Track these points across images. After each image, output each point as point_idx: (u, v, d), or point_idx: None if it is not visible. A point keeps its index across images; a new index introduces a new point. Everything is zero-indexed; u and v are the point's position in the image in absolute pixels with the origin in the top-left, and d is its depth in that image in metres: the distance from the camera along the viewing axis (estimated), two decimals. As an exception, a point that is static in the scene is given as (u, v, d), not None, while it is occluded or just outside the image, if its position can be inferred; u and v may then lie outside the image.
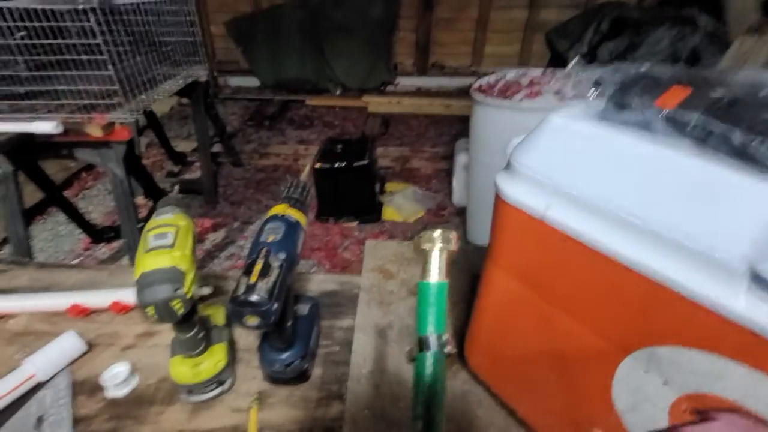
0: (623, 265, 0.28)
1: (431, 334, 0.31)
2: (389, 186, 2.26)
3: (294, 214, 0.47)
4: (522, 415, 0.45)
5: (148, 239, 0.41)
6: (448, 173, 2.39)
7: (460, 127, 2.99)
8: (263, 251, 0.41)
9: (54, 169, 2.30)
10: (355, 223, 1.99)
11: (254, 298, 0.37)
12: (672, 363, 0.29)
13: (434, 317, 0.31)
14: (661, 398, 0.30)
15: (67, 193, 2.11)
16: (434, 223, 2.05)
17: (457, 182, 2.10)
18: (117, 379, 0.49)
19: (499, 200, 0.37)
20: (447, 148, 2.65)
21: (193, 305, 0.44)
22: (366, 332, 0.59)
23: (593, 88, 0.33)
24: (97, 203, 2.20)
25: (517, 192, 0.35)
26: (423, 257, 0.33)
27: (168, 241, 0.40)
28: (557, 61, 2.87)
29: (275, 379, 0.51)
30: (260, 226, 0.45)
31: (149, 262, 0.38)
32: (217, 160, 2.50)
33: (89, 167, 2.47)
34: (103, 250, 1.83)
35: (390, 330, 0.59)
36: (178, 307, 0.38)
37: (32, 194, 1.95)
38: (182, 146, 2.68)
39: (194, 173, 2.44)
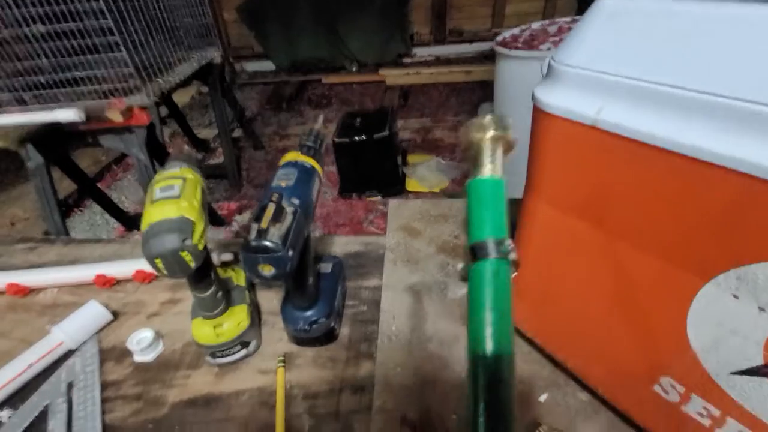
0: (706, 162, 0.23)
1: (489, 239, 0.23)
2: (412, 158, 2.20)
3: (308, 161, 0.43)
4: (572, 366, 0.41)
5: (155, 191, 0.38)
6: (473, 141, 2.30)
7: (482, 93, 2.86)
8: (274, 196, 0.37)
9: (86, 162, 2.38)
10: (378, 197, 1.95)
11: (267, 243, 0.34)
12: (772, 283, 0.23)
13: (491, 219, 0.24)
14: (754, 330, 0.25)
15: (100, 185, 2.18)
16: (460, 192, 1.98)
17: (483, 149, 2.01)
18: (143, 343, 0.48)
19: (538, 115, 0.32)
20: (470, 115, 2.54)
21: (209, 262, 0.42)
22: (394, 290, 0.55)
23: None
24: (129, 193, 2.27)
25: (561, 98, 0.29)
26: (474, 150, 0.26)
27: (175, 192, 0.38)
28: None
29: (301, 339, 0.48)
30: (272, 174, 0.41)
31: (155, 212, 0.36)
32: (239, 144, 2.51)
33: (119, 160, 2.54)
34: (137, 237, 1.89)
35: (420, 287, 0.55)
36: (189, 259, 0.36)
37: (68, 189, 2.03)
38: (204, 133, 2.71)
39: (218, 159, 2.47)
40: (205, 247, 0.39)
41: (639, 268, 0.30)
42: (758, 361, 0.25)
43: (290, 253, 0.35)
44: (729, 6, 0.22)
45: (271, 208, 0.36)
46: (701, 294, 0.27)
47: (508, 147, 0.26)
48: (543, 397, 0.41)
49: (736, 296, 0.25)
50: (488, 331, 0.21)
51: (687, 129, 0.23)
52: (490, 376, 0.20)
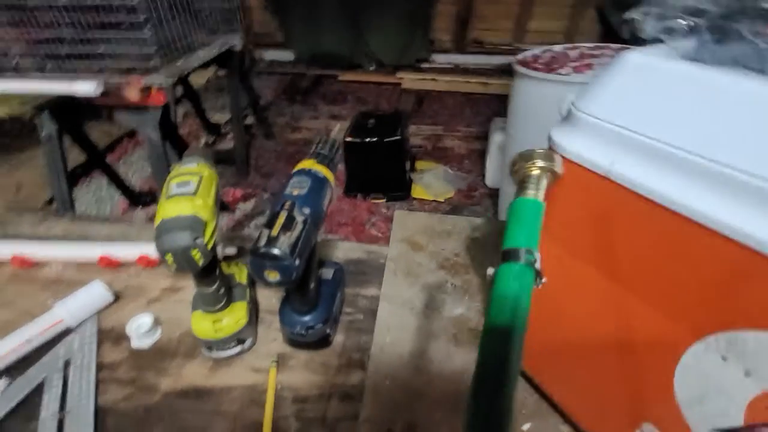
0: (709, 228, 0.23)
1: (521, 248, 0.26)
2: (420, 164, 2.20)
3: (322, 170, 0.44)
4: (558, 400, 0.42)
5: (171, 186, 0.39)
6: (482, 154, 2.30)
7: (497, 106, 2.86)
8: (287, 204, 0.38)
9: (98, 134, 2.39)
10: (383, 200, 1.95)
11: (275, 251, 0.35)
12: (760, 352, 0.24)
13: (525, 232, 0.27)
14: (739, 391, 0.26)
15: (109, 158, 2.19)
16: (464, 204, 1.99)
17: (491, 163, 2.01)
18: (141, 329, 0.49)
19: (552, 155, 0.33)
20: (482, 128, 2.54)
21: (215, 259, 0.43)
22: (392, 302, 0.56)
23: (682, 22, 0.27)
24: (136, 169, 2.28)
25: (577, 145, 0.30)
26: (521, 176, 0.30)
27: (190, 189, 0.39)
28: (610, 37, 2.66)
29: (296, 342, 0.49)
30: (286, 181, 0.42)
31: (170, 208, 0.37)
32: (250, 131, 2.52)
33: (131, 134, 2.55)
34: (140, 214, 1.90)
35: (417, 301, 0.56)
36: (198, 257, 0.36)
37: (76, 159, 2.04)
38: (217, 117, 2.71)
39: (227, 144, 2.47)
40: (214, 244, 0.40)
41: (638, 317, 0.31)
42: (739, 421, 0.26)
43: (297, 262, 0.36)
44: (755, 81, 0.23)
45: (282, 216, 0.37)
46: (692, 351, 0.27)
47: (554, 178, 0.30)
48: (526, 426, 0.42)
49: (724, 358, 0.26)
50: (503, 324, 0.23)
51: (695, 194, 0.24)
52: (499, 368, 0.22)
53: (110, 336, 0.52)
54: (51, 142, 1.34)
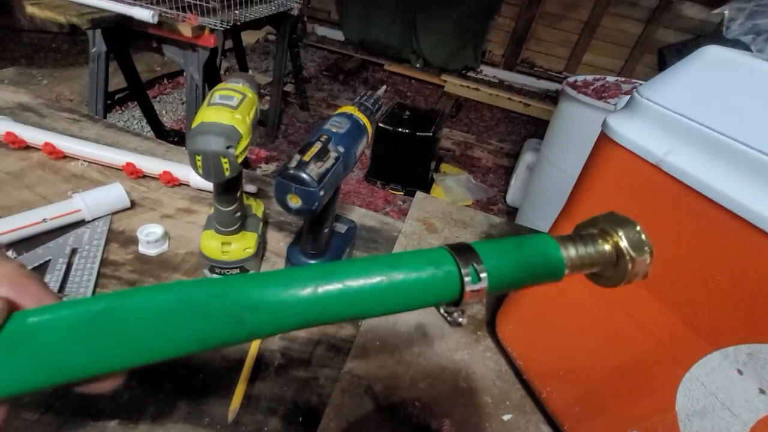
0: (759, 229, 0.22)
1: (483, 261, 0.19)
2: (445, 167, 2.19)
3: (362, 118, 0.44)
4: (545, 398, 0.41)
5: (214, 96, 0.39)
6: (508, 171, 2.29)
7: (533, 129, 2.84)
8: (323, 137, 0.38)
9: (141, 68, 2.43)
10: (401, 192, 1.95)
11: (304, 175, 0.34)
12: (782, 369, 0.23)
13: (508, 261, 0.19)
14: (748, 409, 0.25)
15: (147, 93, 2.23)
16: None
17: (516, 181, 1.99)
18: (150, 237, 0.50)
19: (601, 143, 0.32)
20: (514, 146, 2.52)
21: (240, 179, 0.43)
22: (396, 272, 0.55)
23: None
24: (170, 110, 2.32)
25: (632, 131, 0.29)
26: (581, 231, 0.22)
27: (233, 103, 0.39)
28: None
29: (296, 284, 0.49)
30: (325, 119, 0.42)
31: (210, 114, 0.37)
32: (287, 99, 2.54)
33: (172, 76, 2.60)
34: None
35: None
36: (226, 167, 0.37)
37: (115, 88, 2.08)
38: (258, 78, 2.74)
39: (263, 106, 2.50)
40: (242, 163, 0.40)
41: (651, 319, 0.30)
42: (739, 441, 0.25)
43: (321, 192, 0.35)
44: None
45: (316, 146, 0.37)
46: (706, 360, 0.26)
47: (610, 271, 0.21)
48: (506, 417, 0.41)
49: (740, 371, 0.25)
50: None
51: (752, 192, 0.23)
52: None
53: (120, 238, 0.52)
54: (99, 61, 1.37)
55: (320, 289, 0.17)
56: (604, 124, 0.31)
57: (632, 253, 0.19)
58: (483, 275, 0.18)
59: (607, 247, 0.20)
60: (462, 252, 0.19)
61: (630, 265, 0.19)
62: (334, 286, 0.17)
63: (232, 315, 0.16)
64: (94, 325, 0.15)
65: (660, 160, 0.27)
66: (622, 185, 0.31)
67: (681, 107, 0.27)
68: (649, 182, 0.28)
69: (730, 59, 0.26)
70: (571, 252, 0.20)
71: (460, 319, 0.18)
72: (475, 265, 0.18)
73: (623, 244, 0.19)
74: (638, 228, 0.20)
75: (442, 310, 0.19)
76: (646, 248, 0.19)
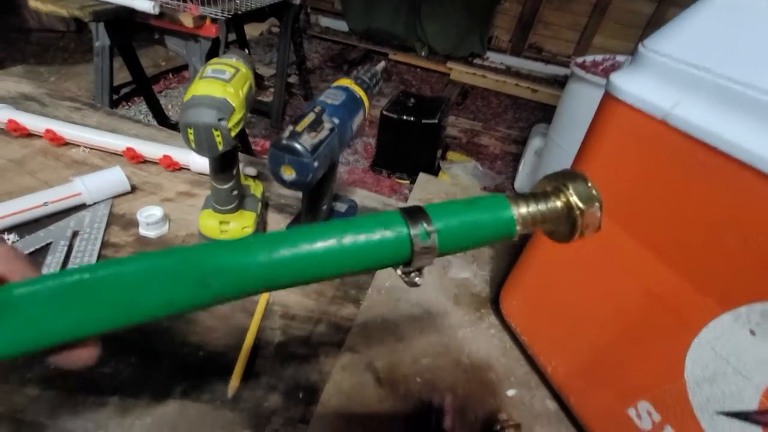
0: (774, 178, 0.21)
1: (434, 222, 0.19)
2: (452, 155, 2.17)
3: (359, 92, 0.43)
4: (550, 373, 0.40)
5: (207, 70, 0.38)
6: (516, 158, 2.25)
7: (540, 115, 2.79)
8: (317, 108, 0.37)
9: (146, 63, 2.45)
10: (407, 181, 1.94)
11: (296, 145, 0.34)
12: (797, 327, 0.22)
13: (458, 219, 0.19)
14: (761, 372, 0.23)
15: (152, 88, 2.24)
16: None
17: (524, 167, 1.96)
18: (150, 219, 0.50)
19: (606, 102, 0.30)
20: (521, 133, 2.48)
21: (235, 155, 0.42)
22: (398, 251, 0.54)
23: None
24: (176, 104, 2.33)
25: (637, 87, 0.28)
26: (534, 190, 0.22)
27: (225, 76, 0.38)
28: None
29: (296, 264, 0.49)
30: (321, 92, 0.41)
31: (202, 86, 0.36)
32: (291, 89, 2.53)
33: (177, 70, 2.61)
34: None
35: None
36: (219, 140, 0.36)
37: (121, 82, 2.09)
38: (262, 70, 2.74)
39: (267, 97, 2.49)
40: (237, 137, 0.39)
41: (656, 282, 0.28)
42: (753, 406, 0.24)
43: (315, 163, 0.35)
44: None
45: (310, 117, 0.36)
46: (716, 322, 0.25)
47: (561, 221, 0.21)
48: (511, 392, 0.41)
49: (753, 332, 0.23)
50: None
51: (765, 139, 0.22)
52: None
53: (120, 221, 0.52)
54: (103, 55, 1.38)
55: (276, 254, 0.18)
56: (608, 83, 0.30)
57: (581, 206, 0.19)
58: (433, 235, 0.18)
59: (559, 203, 0.20)
60: (413, 213, 0.19)
61: (580, 219, 0.19)
62: (290, 251, 0.18)
63: (197, 279, 0.17)
64: (70, 294, 0.16)
65: (667, 114, 0.26)
66: (628, 145, 0.29)
67: (689, 55, 0.25)
68: (656, 139, 0.27)
69: (740, 1, 0.24)
70: (522, 210, 0.20)
71: (417, 279, 0.19)
72: (424, 224, 0.18)
73: (573, 198, 0.20)
74: (589, 183, 0.20)
75: (399, 272, 0.19)
76: (596, 201, 0.20)
